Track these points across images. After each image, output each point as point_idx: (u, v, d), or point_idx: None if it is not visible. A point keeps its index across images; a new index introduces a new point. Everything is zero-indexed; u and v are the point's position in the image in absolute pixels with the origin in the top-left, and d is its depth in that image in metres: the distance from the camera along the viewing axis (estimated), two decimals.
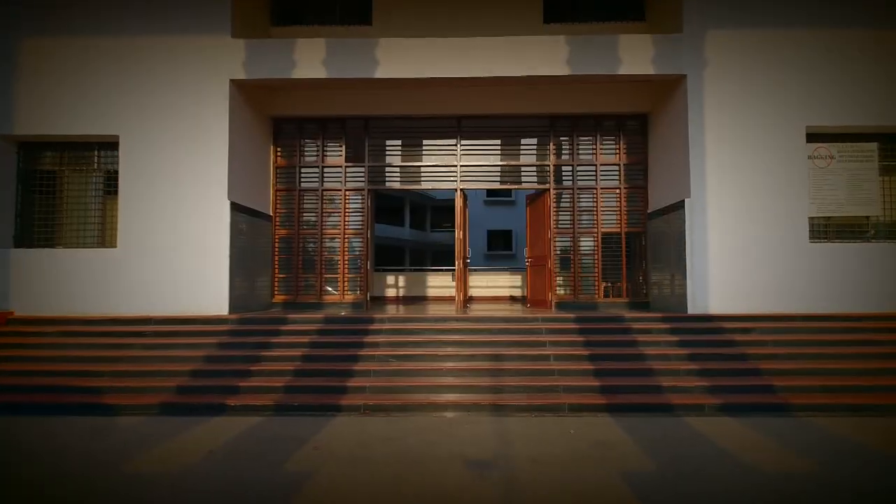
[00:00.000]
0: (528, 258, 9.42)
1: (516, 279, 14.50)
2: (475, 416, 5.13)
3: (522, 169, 9.08)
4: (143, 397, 5.62)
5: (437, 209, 36.30)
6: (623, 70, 7.36)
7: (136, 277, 7.44)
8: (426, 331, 6.86)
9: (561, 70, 7.38)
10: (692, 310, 7.18)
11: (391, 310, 8.98)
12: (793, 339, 6.44)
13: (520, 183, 9.14)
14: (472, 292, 14.25)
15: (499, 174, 9.14)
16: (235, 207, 7.68)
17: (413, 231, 34.19)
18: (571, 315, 7.21)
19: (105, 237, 7.88)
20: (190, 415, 5.24)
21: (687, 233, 7.21)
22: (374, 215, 13.77)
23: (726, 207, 7.20)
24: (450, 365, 6.10)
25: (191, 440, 4.46)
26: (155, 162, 7.53)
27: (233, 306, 7.57)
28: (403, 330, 6.90)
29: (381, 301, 13.17)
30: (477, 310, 9.10)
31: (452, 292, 14.28)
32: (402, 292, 14.27)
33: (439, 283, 14.35)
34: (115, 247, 7.55)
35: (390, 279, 14.38)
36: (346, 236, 9.05)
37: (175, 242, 7.46)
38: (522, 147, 9.12)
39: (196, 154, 7.53)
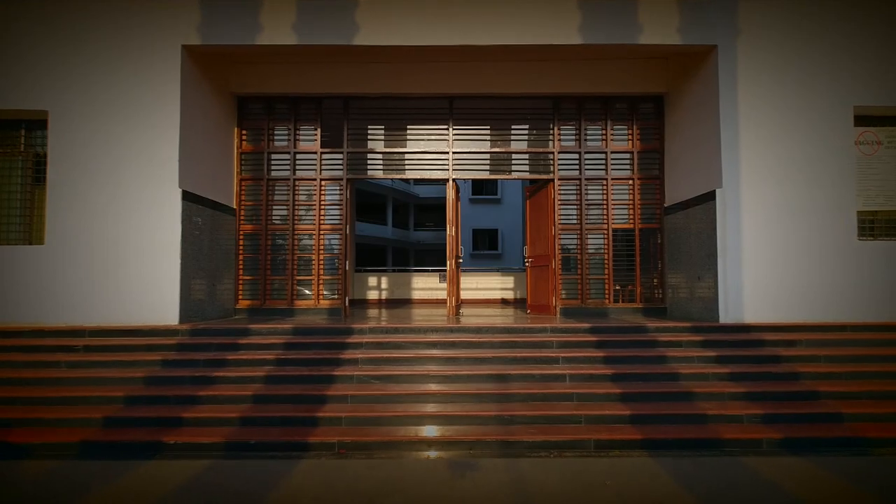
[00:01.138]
0: (529, 258, 8.38)
1: (508, 280, 13.50)
2: (480, 458, 4.04)
3: (522, 157, 8.02)
4: (60, 433, 4.45)
5: (420, 207, 35.23)
6: (644, 39, 6.34)
7: (68, 279, 6.21)
8: (415, 344, 5.76)
9: (572, 38, 6.33)
10: (724, 318, 6.19)
11: (373, 317, 7.86)
12: (848, 353, 5.47)
13: (519, 172, 8.08)
14: (463, 295, 13.19)
15: (495, 162, 8.08)
16: (189, 197, 6.49)
17: (396, 230, 33.04)
18: (584, 324, 6.17)
19: (32, 232, 6.62)
20: (114, 457, 4.08)
21: (719, 229, 6.22)
22: (355, 209, 12.59)
23: (763, 199, 6.23)
24: (445, 388, 5.01)
25: (98, 502, 3.30)
26: (91, 143, 6.30)
27: (185, 314, 6.38)
28: (388, 343, 5.79)
29: (362, 305, 12.04)
30: (470, 315, 8.03)
31: (439, 295, 13.24)
32: (384, 295, 13.15)
33: (425, 285, 13.28)
34: (43, 243, 6.31)
35: (372, 280, 13.24)
36: (322, 232, 7.90)
37: (115, 238, 6.24)
38: (523, 132, 8.07)
39: (142, 134, 6.32)
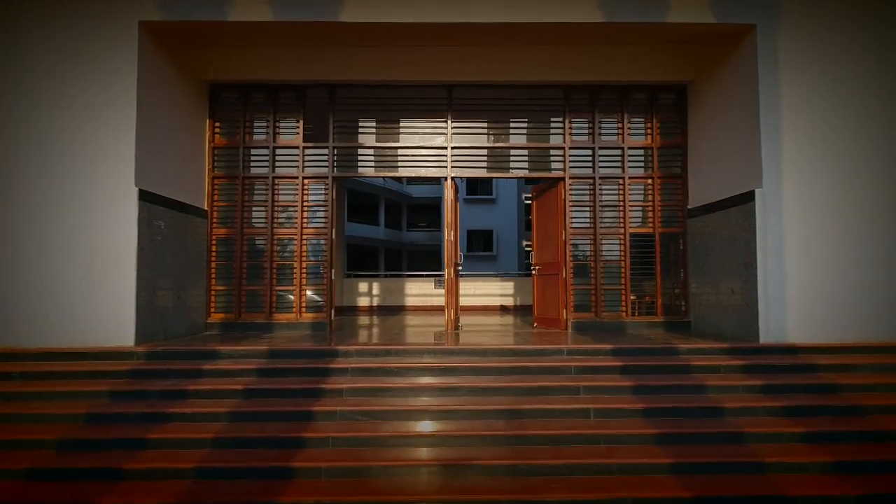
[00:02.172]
0: (536, 265, 7.55)
1: (508, 286, 12.70)
2: None
3: (529, 153, 7.19)
4: None
5: (414, 207, 34.39)
6: (672, 17, 5.54)
7: (4, 293, 5.32)
8: (410, 370, 4.92)
9: (591, 15, 5.52)
10: (765, 338, 5.40)
11: (362, 333, 7.01)
12: None
13: (525, 170, 7.25)
14: (460, 301, 12.36)
15: (499, 159, 7.25)
16: (149, 198, 5.61)
17: (388, 230, 32.16)
18: (605, 345, 5.36)
19: None
20: None
21: (759, 234, 5.43)
22: (343, 210, 11.72)
23: (810, 200, 5.45)
24: (446, 428, 4.17)
25: None
26: (31, 133, 5.41)
27: (143, 333, 5.50)
28: (378, 369, 4.94)
29: (352, 312, 11.19)
30: (471, 328, 7.20)
31: (435, 301, 12.39)
32: (376, 301, 12.30)
33: (420, 291, 12.45)
34: None
35: (363, 286, 12.41)
36: (305, 237, 7.03)
37: (59, 244, 5.35)
38: (530, 125, 7.24)
39: (91, 123, 5.44)
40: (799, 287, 5.39)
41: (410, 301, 12.35)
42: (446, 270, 7.10)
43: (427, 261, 33.10)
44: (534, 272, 7.57)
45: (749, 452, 3.88)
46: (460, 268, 7.32)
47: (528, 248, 36.04)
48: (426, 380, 4.79)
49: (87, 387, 4.68)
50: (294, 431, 4.09)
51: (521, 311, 11.74)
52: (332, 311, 7.00)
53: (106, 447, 3.98)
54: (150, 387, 4.65)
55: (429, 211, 33.75)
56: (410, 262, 34.52)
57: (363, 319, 9.67)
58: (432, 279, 12.59)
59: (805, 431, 4.07)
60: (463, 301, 12.39)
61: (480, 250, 31.26)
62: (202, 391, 4.60)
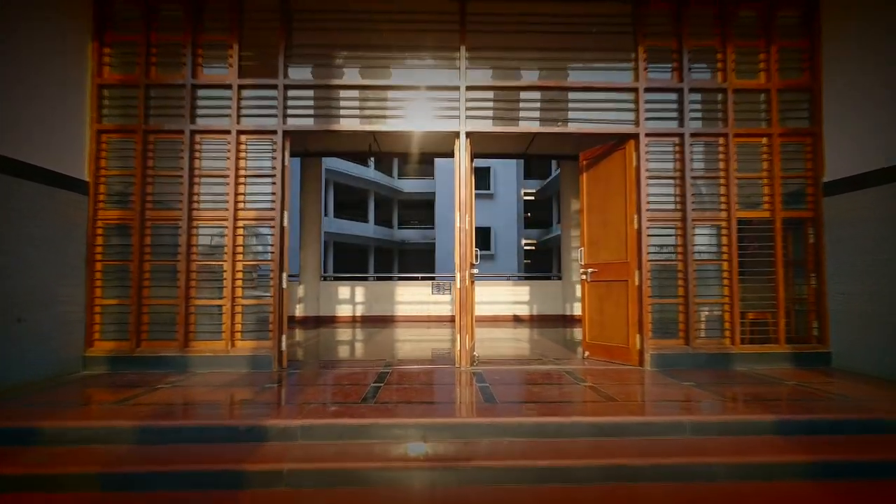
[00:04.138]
0: (587, 267, 5.13)
1: (521, 292, 10.32)
2: None
3: (581, 97, 4.79)
4: None
5: (405, 203, 31.98)
6: None
7: None
8: (399, 478, 2.50)
9: None
10: None
11: (326, 377, 4.56)
12: None
13: (576, 122, 4.84)
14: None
15: (533, 107, 4.85)
16: None
17: (378, 227, 29.72)
18: (755, 416, 2.98)
19: None
20: None
21: None
22: (321, 199, 9.32)
23: None
24: None
25: None
26: None
27: None
28: (339, 474, 2.52)
29: (330, 324, 8.74)
30: (491, 359, 4.79)
31: (432, 310, 9.96)
32: (361, 310, 9.86)
33: (414, 298, 10.03)
34: None
35: (344, 292, 9.95)
36: (242, 223, 4.59)
37: None
38: (581, 55, 4.84)
39: None
40: None
41: (402, 310, 9.93)
42: (456, 274, 4.70)
43: (420, 262, 30.79)
44: (583, 277, 5.15)
45: None
46: (476, 271, 4.91)
47: (529, 248, 33.64)
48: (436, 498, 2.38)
49: None
50: None
51: (539, 322, 9.38)
52: (283, 336, 4.55)
53: None
54: None
55: (421, 207, 31.41)
56: (402, 262, 32.14)
57: (340, 336, 7.23)
58: (429, 283, 10.19)
59: None
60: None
61: (478, 248, 28.85)
62: None
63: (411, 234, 31.74)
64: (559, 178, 11.07)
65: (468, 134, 4.66)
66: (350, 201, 27.95)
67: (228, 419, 2.96)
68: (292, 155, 9.34)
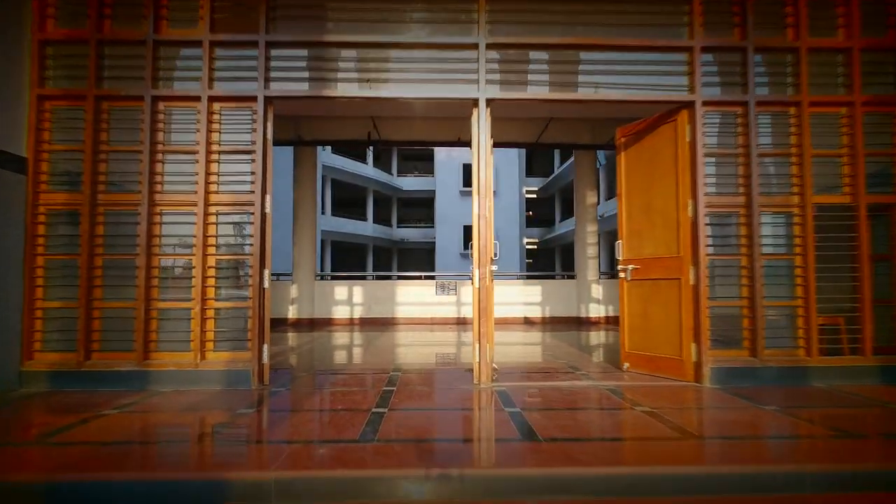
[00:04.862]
0: (627, 262, 4.34)
1: (533, 292, 9.52)
2: None
3: (624, 57, 3.99)
4: None
5: (404, 201, 31.21)
6: None
7: None
8: None
9: None
10: None
11: (314, 401, 3.76)
12: None
13: (618, 88, 4.04)
14: (463, 311, 9.18)
15: (567, 70, 4.05)
16: None
17: (377, 226, 28.95)
18: None
19: None
20: None
21: None
22: (317, 197, 8.46)
23: None
24: None
25: None
26: None
27: None
28: None
29: (325, 327, 7.93)
30: (509, 370, 4.01)
31: (436, 312, 9.15)
32: (359, 312, 9.06)
33: (417, 299, 9.24)
34: None
35: (340, 292, 9.14)
36: (213, 208, 3.79)
37: None
38: (624, 8, 4.05)
39: None
40: None
41: (404, 312, 9.14)
42: (474, 272, 3.91)
43: (420, 261, 30.06)
44: (622, 276, 4.35)
45: None
46: (495, 268, 4.11)
47: (531, 247, 32.78)
48: None
49: None
50: None
51: (552, 325, 8.60)
52: (264, 347, 3.75)
53: None
54: None
55: (421, 205, 30.69)
56: (401, 262, 31.39)
57: (335, 340, 6.44)
58: (431, 283, 9.39)
59: None
60: (466, 311, 9.22)
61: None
62: None
63: (411, 233, 31.00)
64: (569, 171, 10.34)
65: (488, 101, 3.87)
66: (348, 199, 27.20)
67: (179, 471, 2.16)
68: (284, 143, 8.55)
